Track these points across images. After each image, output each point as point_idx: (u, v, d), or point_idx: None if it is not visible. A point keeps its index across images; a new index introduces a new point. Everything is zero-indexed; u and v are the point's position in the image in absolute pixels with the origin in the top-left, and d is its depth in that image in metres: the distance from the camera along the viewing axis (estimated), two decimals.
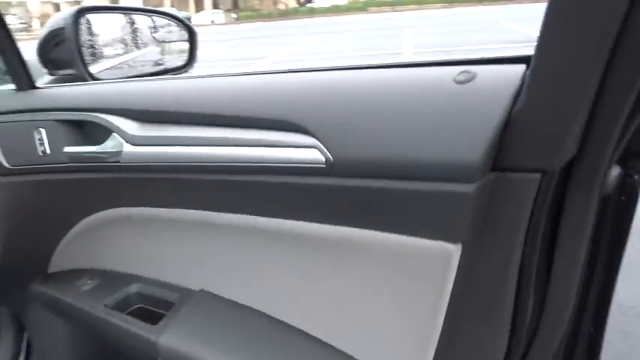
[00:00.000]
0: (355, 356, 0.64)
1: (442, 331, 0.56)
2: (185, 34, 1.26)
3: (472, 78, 0.51)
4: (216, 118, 0.65)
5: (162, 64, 1.28)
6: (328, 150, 0.54)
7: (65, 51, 1.05)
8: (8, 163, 0.84)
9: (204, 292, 0.79)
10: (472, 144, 0.47)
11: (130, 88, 0.80)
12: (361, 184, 0.53)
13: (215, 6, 40.86)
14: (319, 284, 0.65)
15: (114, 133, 0.74)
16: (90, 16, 1.08)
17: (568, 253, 0.54)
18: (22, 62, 0.88)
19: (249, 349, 0.69)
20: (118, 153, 0.73)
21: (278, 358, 0.67)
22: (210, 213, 0.70)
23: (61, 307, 0.95)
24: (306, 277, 0.65)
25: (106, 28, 1.13)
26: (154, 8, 1.26)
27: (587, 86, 0.44)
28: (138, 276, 0.89)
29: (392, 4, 32.08)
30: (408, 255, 0.53)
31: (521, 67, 0.51)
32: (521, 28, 11.51)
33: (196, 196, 0.70)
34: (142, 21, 1.24)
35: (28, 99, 0.86)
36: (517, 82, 0.49)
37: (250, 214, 0.65)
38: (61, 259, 0.97)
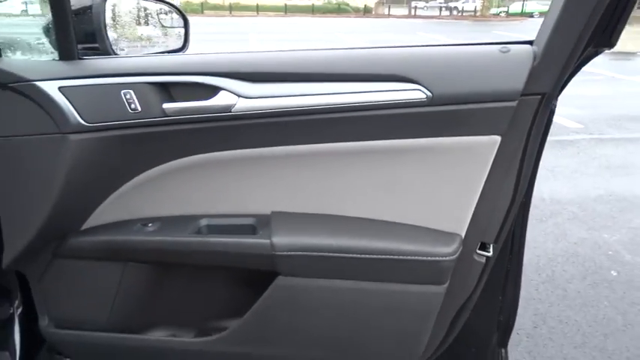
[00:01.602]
0: (414, 223, 0.93)
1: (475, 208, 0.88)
2: (181, 21, 1.40)
3: (508, 51, 0.85)
4: (325, 76, 0.88)
5: (165, 45, 1.39)
6: (429, 89, 0.84)
7: (92, 27, 1.13)
8: (85, 120, 0.93)
9: (276, 212, 0.98)
10: (514, 79, 0.82)
11: (228, 57, 0.96)
12: (451, 109, 0.84)
13: None
14: (396, 181, 0.91)
15: (223, 90, 0.91)
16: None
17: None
18: (72, 34, 0.97)
19: (334, 234, 0.93)
20: (232, 105, 0.90)
21: (355, 233, 0.93)
22: (295, 147, 0.91)
23: (120, 250, 1.02)
24: (386, 177, 0.91)
25: (122, 12, 1.21)
26: None
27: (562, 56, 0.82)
28: (200, 215, 1.02)
29: (229, 9, 32.36)
30: (452, 150, 0.86)
31: (528, 46, 0.86)
32: (352, 39, 12.78)
33: (300, 131, 0.91)
34: (151, 7, 1.34)
35: (110, 65, 0.95)
36: (530, 51, 0.84)
37: (351, 142, 0.88)
38: (105, 213, 1.03)
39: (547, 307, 2.11)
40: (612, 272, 2.39)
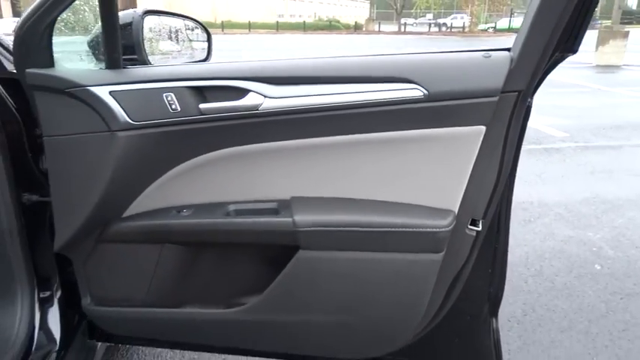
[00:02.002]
0: (414, 202, 1.09)
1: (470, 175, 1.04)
2: (205, 35, 1.57)
3: (490, 56, 1.02)
4: (336, 79, 1.04)
5: (191, 56, 1.56)
6: (426, 88, 1.00)
7: (131, 41, 1.29)
8: (132, 119, 1.08)
9: (295, 197, 1.13)
10: (495, 79, 0.98)
11: (254, 64, 1.12)
12: (444, 104, 1.00)
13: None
14: (398, 167, 1.06)
15: (251, 92, 1.07)
16: (149, 17, 1.33)
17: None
18: (119, 46, 1.13)
19: (346, 212, 1.08)
20: (259, 105, 1.05)
21: (365, 211, 1.08)
22: (312, 139, 1.06)
23: (158, 233, 1.16)
24: (390, 163, 1.06)
25: (156, 28, 1.38)
26: (188, 15, 1.53)
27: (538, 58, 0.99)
28: (230, 202, 1.17)
29: (221, 26, 32.76)
30: (445, 139, 1.02)
31: (506, 52, 1.03)
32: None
33: (316, 126, 1.06)
34: (179, 23, 1.51)
35: (153, 72, 1.11)
36: (508, 56, 1.01)
37: (359, 134, 1.04)
38: (144, 202, 1.16)
39: (536, 298, 2.27)
40: (596, 266, 2.56)
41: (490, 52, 1.03)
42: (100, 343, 1.50)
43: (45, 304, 1.34)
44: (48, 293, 1.35)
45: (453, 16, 45.06)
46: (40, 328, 1.30)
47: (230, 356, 1.84)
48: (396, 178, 1.08)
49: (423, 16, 54.24)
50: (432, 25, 41.92)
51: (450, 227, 1.04)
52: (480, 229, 1.10)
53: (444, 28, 39.73)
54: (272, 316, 1.17)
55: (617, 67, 12.30)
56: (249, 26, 34.16)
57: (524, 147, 4.38)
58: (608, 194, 3.59)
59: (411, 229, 1.05)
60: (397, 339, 1.17)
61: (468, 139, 1.03)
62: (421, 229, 1.05)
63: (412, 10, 52.85)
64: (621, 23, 15.08)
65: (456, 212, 1.07)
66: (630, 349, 1.92)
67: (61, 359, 1.31)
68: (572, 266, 2.56)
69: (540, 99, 7.53)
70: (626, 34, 12.93)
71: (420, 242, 1.05)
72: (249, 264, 1.23)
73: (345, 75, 1.05)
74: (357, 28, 39.64)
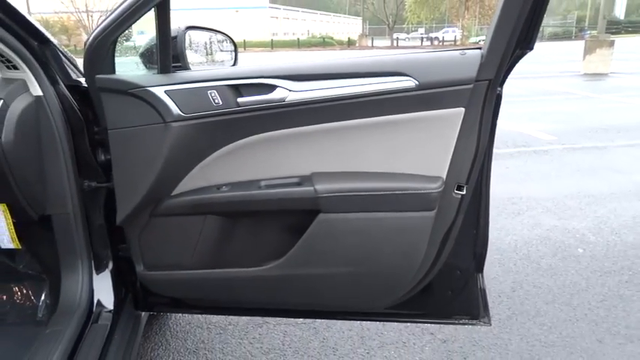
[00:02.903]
0: (410, 172, 1.34)
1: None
2: (232, 46, 1.85)
3: (465, 53, 1.29)
4: (346, 75, 1.30)
5: (222, 62, 1.84)
6: (417, 80, 1.26)
7: (176, 51, 1.56)
8: (183, 112, 1.33)
9: (315, 172, 1.37)
10: (470, 71, 1.25)
11: (279, 65, 1.38)
12: (432, 91, 1.27)
13: None
14: (396, 144, 1.31)
15: (279, 87, 1.32)
16: (190, 31, 1.61)
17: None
18: (170, 54, 1.39)
19: (357, 181, 1.33)
20: (285, 97, 1.31)
21: (371, 179, 1.33)
22: (328, 124, 1.31)
23: (201, 206, 1.39)
24: (389, 141, 1.31)
25: (194, 39, 1.65)
26: (220, 30, 1.81)
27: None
28: (261, 179, 1.41)
29: None
30: (434, 120, 1.29)
31: (478, 50, 1.29)
32: None
33: (331, 113, 1.31)
34: (212, 36, 1.79)
35: (198, 74, 1.37)
36: (479, 52, 1.28)
37: (364, 118, 1.29)
38: (190, 181, 1.39)
39: (523, 277, 2.51)
40: (579, 249, 2.81)
41: (465, 51, 1.29)
42: (143, 313, 1.73)
43: (100, 274, 1.58)
44: (102, 266, 1.59)
45: (444, 30, 45.85)
46: (96, 294, 1.55)
47: (252, 325, 2.08)
48: (396, 153, 1.33)
49: (414, 31, 55.12)
50: (424, 39, 42.67)
51: (439, 189, 1.30)
52: (464, 193, 1.35)
53: (436, 42, 40.45)
54: (297, 271, 1.42)
55: (604, 74, 12.68)
56: (245, 45, 34.74)
57: (514, 150, 4.82)
58: (592, 189, 3.85)
59: (408, 192, 1.30)
60: (398, 289, 1.42)
61: (451, 118, 1.29)
62: (417, 192, 1.30)
63: (404, 25, 53.72)
64: (610, 33, 15.54)
65: (444, 178, 1.32)
66: (607, 315, 2.16)
67: (115, 323, 1.55)
68: (556, 250, 2.80)
69: (530, 106, 7.94)
70: (611, 43, 13.35)
71: (416, 202, 1.31)
72: (277, 229, 1.47)
73: (354, 71, 1.32)
74: (350, 43, 40.32)
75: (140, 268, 1.52)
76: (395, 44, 38.67)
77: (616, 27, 33.02)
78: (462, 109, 1.27)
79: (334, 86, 1.31)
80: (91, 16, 29.65)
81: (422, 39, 42.52)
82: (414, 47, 35.58)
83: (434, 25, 52.39)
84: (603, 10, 14.85)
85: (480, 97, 1.27)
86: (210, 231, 1.44)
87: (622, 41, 24.08)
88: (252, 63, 1.47)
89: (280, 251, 1.42)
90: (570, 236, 2.99)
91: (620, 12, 15.57)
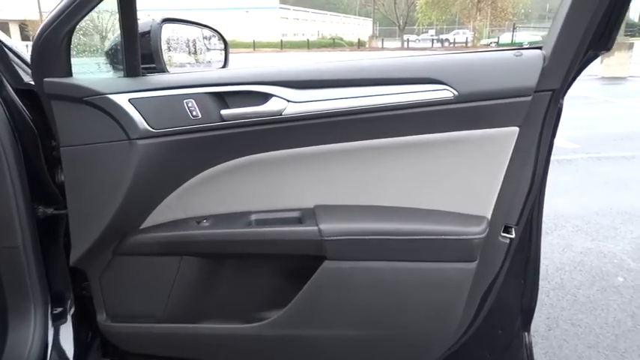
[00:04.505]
0: (444, 209, 1.05)
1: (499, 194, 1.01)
2: (222, 44, 1.55)
3: (521, 55, 0.99)
4: (362, 81, 1.00)
5: (208, 64, 1.54)
6: (455, 89, 0.97)
7: (149, 49, 1.27)
8: (151, 127, 1.04)
9: (319, 205, 1.09)
10: (528, 78, 0.95)
11: (276, 69, 1.09)
12: (475, 105, 0.97)
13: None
14: (427, 172, 1.03)
15: (274, 97, 1.03)
16: (166, 25, 1.31)
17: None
18: (138, 54, 1.10)
19: (374, 220, 1.04)
20: (282, 110, 1.02)
21: (393, 219, 1.04)
22: (338, 145, 1.02)
23: (176, 245, 1.11)
24: (418, 168, 1.03)
25: (173, 36, 1.36)
26: (205, 24, 1.52)
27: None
28: (251, 211, 1.13)
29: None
30: (477, 141, 0.99)
31: (538, 50, 1.00)
32: None
33: (341, 130, 1.02)
34: (196, 32, 1.49)
35: (173, 79, 1.08)
36: (540, 54, 0.98)
37: (387, 138, 1.00)
38: (162, 212, 1.12)
39: (559, 312, 2.20)
40: (619, 278, 2.49)
41: (521, 51, 0.99)
42: None
43: (58, 320, 1.30)
44: (61, 309, 1.31)
45: (455, 31, 45.41)
46: (53, 346, 1.26)
47: None
48: (426, 184, 1.04)
49: (425, 32, 54.69)
50: (435, 40, 42.23)
51: (483, 234, 1.00)
52: (513, 236, 1.05)
53: (446, 44, 40.01)
54: (297, 331, 1.12)
55: (623, 78, 12.27)
56: (254, 45, 34.51)
57: None
58: (625, 205, 3.53)
59: (442, 237, 1.00)
60: (428, 355, 1.12)
61: (501, 140, 0.99)
62: (453, 237, 1.00)
63: (414, 27, 53.33)
64: (626, 35, 15.11)
65: (489, 218, 1.02)
66: None
67: None
68: (593, 279, 2.49)
69: None
70: (630, 46, 12.93)
71: (452, 251, 1.01)
72: (271, 276, 1.18)
73: (372, 77, 1.02)
74: (360, 45, 40.02)
75: (102, 317, 1.23)
76: (406, 45, 38.30)
77: (631, 30, 32.48)
78: (516, 129, 0.97)
79: (345, 96, 1.01)
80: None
81: (432, 40, 42.10)
82: (424, 49, 35.20)
83: (444, 27, 51.93)
84: None
85: (540, 112, 0.97)
86: (187, 276, 1.15)
87: (637, 44, 23.63)
88: (243, 65, 1.18)
89: (276, 305, 1.13)
90: (607, 261, 2.67)
91: (634, 14, 15.16)
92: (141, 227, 1.14)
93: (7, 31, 23.39)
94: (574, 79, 1.04)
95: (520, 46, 1.04)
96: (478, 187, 1.02)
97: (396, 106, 0.99)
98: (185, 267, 1.14)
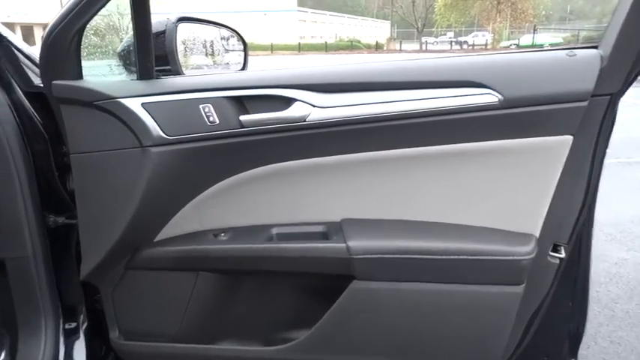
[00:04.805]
0: (486, 225, 0.95)
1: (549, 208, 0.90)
2: (241, 45, 1.47)
3: (575, 55, 0.89)
4: (395, 84, 0.91)
5: (227, 66, 1.47)
6: (500, 93, 0.87)
7: (164, 50, 1.19)
8: (165, 133, 0.97)
9: (347, 219, 1.00)
10: (584, 81, 0.85)
11: (300, 71, 1.00)
12: (523, 111, 0.87)
13: None
14: (467, 184, 0.93)
15: (298, 101, 0.95)
16: (182, 25, 1.24)
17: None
18: (152, 56, 1.02)
19: (408, 237, 0.94)
20: (307, 115, 0.93)
21: (430, 236, 0.94)
22: (368, 153, 0.93)
23: (193, 260, 1.04)
24: (458, 180, 0.93)
25: (190, 36, 1.29)
26: (223, 23, 1.44)
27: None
28: (273, 224, 1.05)
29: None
30: (525, 151, 0.89)
31: (595, 50, 0.90)
32: None
33: (371, 138, 0.93)
34: (213, 32, 1.42)
35: (188, 82, 1.00)
36: (597, 54, 0.88)
37: (423, 146, 0.91)
38: (178, 224, 1.05)
39: (596, 328, 2.06)
40: None
41: (575, 51, 0.89)
42: None
43: (70, 335, 1.23)
44: (74, 324, 1.24)
45: (474, 33, 44.88)
46: None
47: None
48: (467, 198, 0.94)
49: (443, 35, 54.20)
50: (453, 43, 41.80)
51: (532, 255, 0.90)
52: (563, 255, 0.95)
53: (465, 46, 39.56)
54: (321, 356, 1.03)
55: None
56: (272, 48, 34.56)
57: None
58: None
59: (485, 257, 0.90)
60: None
61: (552, 150, 0.89)
62: (498, 257, 0.90)
63: (433, 29, 52.89)
64: None
65: (537, 236, 0.92)
66: None
67: None
68: (632, 293, 2.34)
69: None
70: None
71: (497, 272, 0.91)
72: (294, 296, 1.09)
73: (405, 80, 0.92)
74: (378, 47, 39.83)
75: (114, 334, 1.15)
76: (424, 48, 38.02)
77: None
78: (569, 138, 0.87)
79: (375, 101, 0.92)
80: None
81: (451, 43, 41.67)
82: (442, 51, 34.87)
83: (463, 29, 51.39)
84: None
85: (597, 119, 0.87)
86: (203, 293, 1.07)
87: None
88: (264, 67, 1.09)
89: (298, 327, 1.04)
90: None
91: None
92: (155, 240, 1.06)
93: (31, 35, 23.80)
94: (632, 81, 0.93)
95: (574, 47, 0.94)
96: (525, 201, 0.92)
97: (432, 112, 0.90)
98: (201, 283, 1.06)
